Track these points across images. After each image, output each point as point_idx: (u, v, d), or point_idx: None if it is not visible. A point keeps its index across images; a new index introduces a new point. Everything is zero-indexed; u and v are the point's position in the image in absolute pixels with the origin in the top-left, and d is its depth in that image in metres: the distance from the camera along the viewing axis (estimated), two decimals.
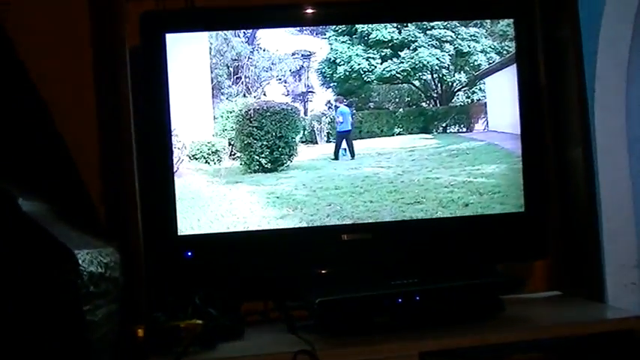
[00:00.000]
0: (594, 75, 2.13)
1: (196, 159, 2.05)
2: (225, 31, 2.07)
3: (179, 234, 2.02)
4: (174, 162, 2.04)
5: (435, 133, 2.21)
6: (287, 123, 2.11)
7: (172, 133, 2.04)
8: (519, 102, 2.12)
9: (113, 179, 2.02)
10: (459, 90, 2.20)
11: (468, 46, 2.15)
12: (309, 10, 2.09)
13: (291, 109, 2.14)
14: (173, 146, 2.03)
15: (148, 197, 2.00)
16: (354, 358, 1.78)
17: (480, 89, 2.22)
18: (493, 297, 2.01)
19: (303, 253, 2.06)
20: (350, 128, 2.13)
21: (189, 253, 1.99)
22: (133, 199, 1.97)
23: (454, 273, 2.03)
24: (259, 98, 2.11)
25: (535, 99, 2.17)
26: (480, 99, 2.22)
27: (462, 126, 2.22)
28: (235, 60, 2.07)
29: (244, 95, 2.09)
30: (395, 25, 2.13)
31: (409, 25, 2.14)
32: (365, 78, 2.16)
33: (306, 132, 2.14)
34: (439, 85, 2.20)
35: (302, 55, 2.12)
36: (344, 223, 2.06)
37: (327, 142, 2.14)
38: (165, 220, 2.02)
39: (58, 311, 1.36)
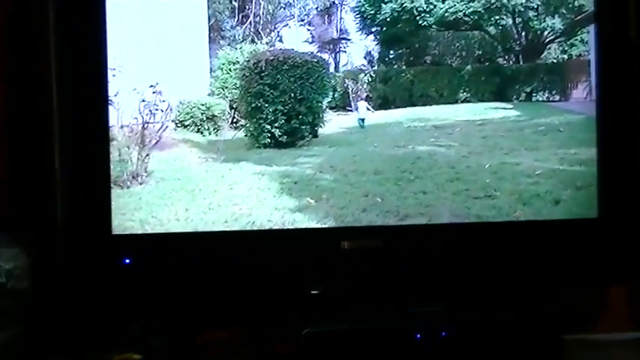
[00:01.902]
0: None
1: (185, 126, 1.94)
2: None
3: (114, 232, 1.81)
4: (157, 130, 1.85)
5: (516, 102, 2.04)
6: (311, 81, 1.95)
7: (112, 77, 1.80)
8: (596, 65, 1.88)
9: (24, 151, 1.83)
10: (551, 41, 2.00)
11: None
12: None
13: (317, 62, 1.98)
14: (110, 102, 1.80)
15: (71, 179, 1.81)
16: None
17: (582, 41, 1.98)
18: (551, 336, 1.82)
19: (288, 264, 1.84)
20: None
21: (127, 260, 1.80)
22: (51, 181, 1.80)
23: (496, 299, 1.87)
24: (273, 45, 1.98)
25: (619, 54, 1.92)
26: (581, 54, 1.99)
27: (553, 92, 2.04)
28: None
29: (253, 41, 1.96)
30: None
31: None
32: (420, 21, 2.00)
33: (336, 94, 2.01)
34: (523, 33, 2.03)
35: None
36: (353, 225, 1.86)
37: (370, 109, 2.02)
38: (96, 212, 1.81)
39: None
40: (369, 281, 1.88)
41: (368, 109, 1.99)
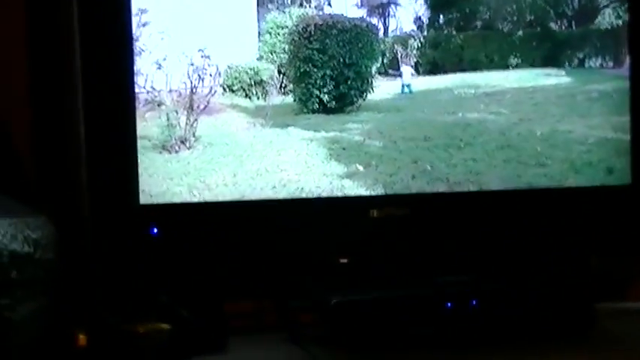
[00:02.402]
0: None
1: (233, 91, 1.90)
2: None
3: (142, 202, 1.79)
4: (206, 95, 1.84)
5: (568, 68, 2.00)
6: (360, 46, 1.93)
7: (160, 41, 1.78)
8: (630, 28, 1.92)
9: (48, 118, 1.80)
10: (605, 6, 1.98)
11: None
12: None
13: (366, 27, 1.95)
14: (136, 72, 1.79)
15: (97, 147, 1.79)
16: None
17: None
18: (582, 305, 1.81)
19: (315, 233, 1.84)
20: None
21: (154, 230, 1.79)
22: (76, 149, 1.79)
23: (527, 268, 1.87)
24: (322, 9, 1.94)
25: None
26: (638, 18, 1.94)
27: (607, 58, 2.01)
28: None
29: (301, 4, 1.93)
30: None
31: None
32: None
33: (385, 59, 1.97)
34: None
35: None
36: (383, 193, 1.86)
37: (414, 74, 1.98)
38: (123, 182, 1.80)
39: None
40: (397, 250, 1.87)
41: (412, 75, 1.96)
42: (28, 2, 1.80)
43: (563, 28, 1.99)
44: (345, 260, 1.87)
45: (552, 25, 1.99)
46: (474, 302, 1.74)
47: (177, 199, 1.80)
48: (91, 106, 1.79)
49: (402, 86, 1.96)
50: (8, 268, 1.36)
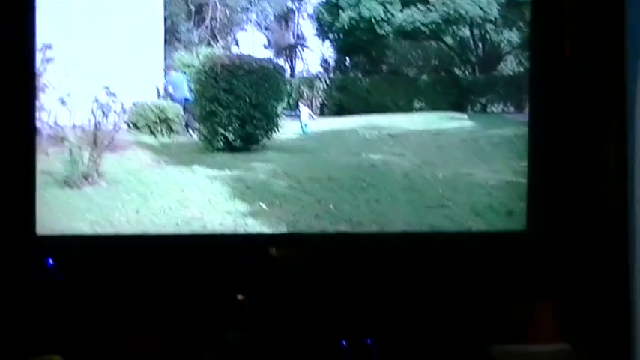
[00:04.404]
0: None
1: (138, 128, 1.91)
2: None
3: (39, 234, 1.77)
4: (110, 131, 1.83)
5: (471, 112, 2.03)
6: (266, 86, 1.96)
7: (64, 77, 1.77)
8: (530, 77, 1.91)
9: None
10: (507, 53, 2.02)
11: None
12: None
13: (274, 68, 2.00)
14: (40, 108, 1.77)
15: None
16: None
17: None
18: (477, 346, 1.81)
19: (216, 270, 1.82)
20: (189, 97, 1.95)
21: (50, 261, 1.78)
22: None
23: (424, 308, 1.86)
24: (229, 49, 1.97)
25: (554, 75, 1.95)
26: None
27: (508, 104, 2.04)
28: None
29: (209, 44, 1.97)
30: None
31: None
32: (378, 30, 1.99)
33: (291, 100, 1.99)
34: (480, 44, 2.04)
35: None
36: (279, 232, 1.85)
37: (319, 115, 2.00)
38: (18, 212, 1.76)
39: None
40: (296, 288, 1.86)
41: (310, 116, 1.98)
42: None
43: (468, 73, 2.02)
44: (242, 297, 1.85)
45: (457, 70, 2.02)
46: (369, 341, 1.73)
47: (76, 234, 1.78)
48: None
49: (301, 126, 1.99)
50: None
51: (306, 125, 1.96)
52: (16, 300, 1.77)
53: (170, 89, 1.95)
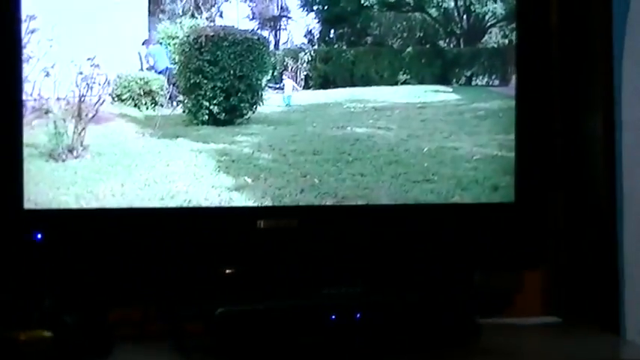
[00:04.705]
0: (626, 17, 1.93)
1: (122, 100, 1.88)
2: None
3: (26, 207, 1.76)
4: (94, 104, 1.82)
5: (456, 85, 2.02)
6: (251, 58, 1.93)
7: (49, 48, 1.76)
8: (517, 48, 1.94)
9: None
10: (492, 25, 1.99)
11: None
12: None
13: (258, 40, 1.95)
14: (24, 79, 1.76)
15: None
16: None
17: None
18: (466, 319, 1.83)
19: (203, 243, 1.83)
20: (170, 66, 1.93)
21: (39, 235, 1.76)
22: None
23: (412, 282, 1.87)
24: (213, 21, 1.92)
25: (541, 46, 1.97)
26: None
27: (494, 77, 2.03)
28: None
29: (193, 15, 1.91)
30: None
31: None
32: (362, 1, 1.96)
33: (276, 72, 1.98)
34: (465, 16, 2.00)
35: None
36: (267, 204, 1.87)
37: (304, 87, 1.98)
38: (7, 187, 1.75)
39: None
40: (284, 261, 1.85)
41: (294, 88, 1.97)
42: None
43: (452, 46, 2.02)
44: (230, 270, 1.85)
45: (441, 42, 2.02)
46: (358, 315, 1.75)
47: (63, 207, 1.77)
48: None
49: (284, 98, 1.99)
50: None
51: (289, 97, 1.96)
52: (4, 275, 1.75)
53: (151, 61, 1.93)
